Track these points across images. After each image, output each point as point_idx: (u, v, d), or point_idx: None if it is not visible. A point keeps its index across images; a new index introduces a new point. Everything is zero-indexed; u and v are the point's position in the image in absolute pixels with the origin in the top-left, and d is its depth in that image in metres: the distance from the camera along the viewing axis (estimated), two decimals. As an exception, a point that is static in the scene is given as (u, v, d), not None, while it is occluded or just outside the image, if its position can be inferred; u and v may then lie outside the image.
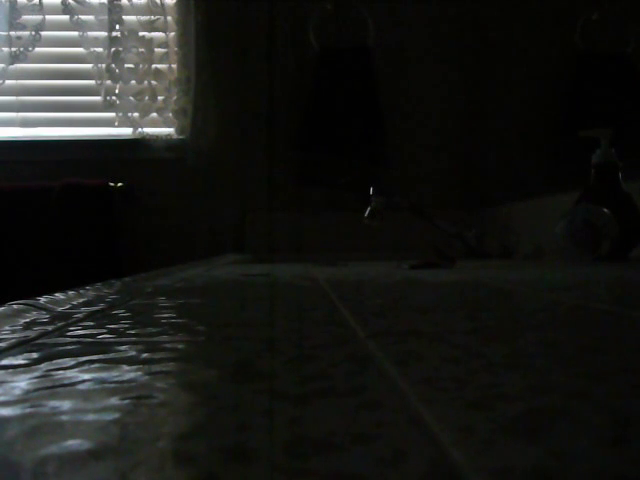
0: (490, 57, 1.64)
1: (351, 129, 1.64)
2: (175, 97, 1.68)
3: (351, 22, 1.69)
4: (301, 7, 1.68)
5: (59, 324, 0.31)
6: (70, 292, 0.45)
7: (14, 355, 0.23)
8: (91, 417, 0.15)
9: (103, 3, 1.65)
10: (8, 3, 1.64)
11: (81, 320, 0.33)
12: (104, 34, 1.65)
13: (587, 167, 0.92)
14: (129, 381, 0.19)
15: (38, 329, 0.30)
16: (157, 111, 1.68)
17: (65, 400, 0.17)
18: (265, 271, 0.81)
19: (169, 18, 1.68)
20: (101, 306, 0.40)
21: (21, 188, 1.57)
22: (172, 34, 1.69)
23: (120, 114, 1.66)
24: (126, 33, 1.65)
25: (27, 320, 0.33)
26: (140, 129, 1.68)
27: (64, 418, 0.15)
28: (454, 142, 1.71)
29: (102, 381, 0.19)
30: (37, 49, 1.66)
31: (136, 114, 1.67)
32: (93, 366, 0.21)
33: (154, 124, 1.69)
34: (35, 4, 1.65)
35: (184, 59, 1.68)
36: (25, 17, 1.65)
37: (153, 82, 1.67)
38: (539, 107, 1.38)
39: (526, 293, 0.45)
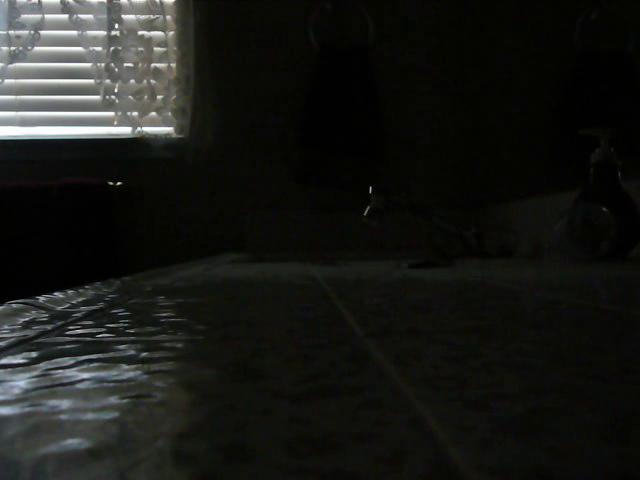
0: (489, 56, 1.64)
1: (351, 128, 1.64)
2: (174, 96, 1.68)
3: (351, 22, 1.69)
4: (301, 7, 1.68)
5: (58, 323, 0.31)
6: (69, 291, 0.45)
7: (13, 354, 0.23)
8: (90, 416, 0.15)
9: (102, 2, 1.65)
10: (7, 2, 1.64)
11: (80, 319, 0.33)
12: (103, 33, 1.65)
13: (586, 166, 0.92)
14: (128, 380, 0.19)
15: (37, 328, 0.30)
16: (156, 110, 1.68)
17: (64, 399, 0.17)
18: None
19: (168, 17, 1.68)
20: (100, 305, 0.40)
21: (20, 187, 1.56)
22: (171, 33, 1.69)
23: (119, 113, 1.66)
24: (125, 32, 1.65)
25: (26, 319, 0.33)
26: (139, 128, 1.68)
27: (63, 417, 0.15)
28: (454, 142, 1.71)
29: (101, 380, 0.19)
30: (36, 48, 1.66)
31: (135, 113, 1.67)
32: (92, 365, 0.21)
33: (153, 123, 1.69)
34: (34, 3, 1.65)
35: (183, 58, 1.68)
36: (24, 16, 1.65)
37: (152, 81, 1.67)
38: (538, 106, 1.38)
39: (526, 293, 0.45)
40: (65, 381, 0.19)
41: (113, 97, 1.66)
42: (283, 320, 0.32)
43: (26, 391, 0.18)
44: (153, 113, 1.68)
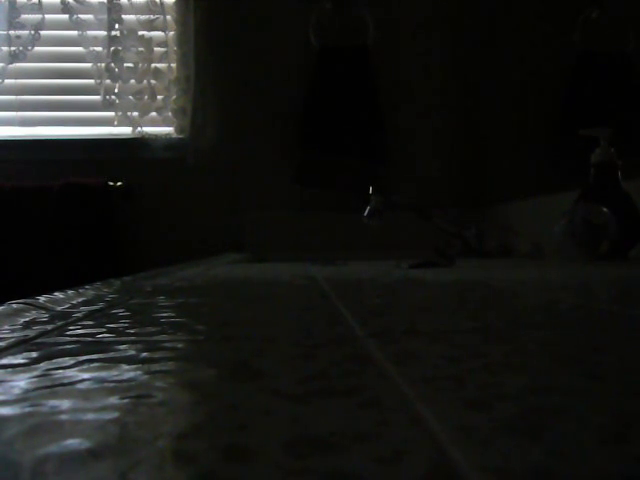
0: (490, 56, 1.64)
1: (351, 129, 1.64)
2: (174, 96, 1.68)
3: (351, 22, 1.69)
4: (301, 7, 1.68)
5: (58, 323, 0.31)
6: (69, 291, 0.45)
7: (13, 354, 0.23)
8: (90, 416, 0.15)
9: (102, 2, 1.65)
10: (7, 2, 1.64)
11: (80, 319, 0.33)
12: (103, 33, 1.65)
13: (586, 166, 0.92)
14: (128, 380, 0.19)
15: (37, 328, 0.30)
16: (156, 110, 1.68)
17: (64, 399, 0.17)
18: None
19: (168, 17, 1.68)
20: (100, 305, 0.40)
21: (20, 187, 1.57)
22: (171, 33, 1.69)
23: (119, 113, 1.66)
24: (125, 32, 1.65)
25: (26, 319, 0.33)
26: (139, 128, 1.68)
27: (63, 417, 0.15)
28: (454, 142, 1.71)
29: (101, 380, 0.19)
30: (36, 48, 1.66)
31: (135, 113, 1.67)
32: (92, 365, 0.21)
33: (153, 123, 1.69)
34: (34, 3, 1.65)
35: (183, 58, 1.68)
36: (24, 16, 1.65)
37: (152, 81, 1.67)
38: (538, 106, 1.38)
39: (526, 293, 0.45)
40: (65, 381, 0.19)
41: (113, 97, 1.66)
42: (283, 320, 0.32)
43: (26, 391, 0.18)
44: (153, 113, 1.68)
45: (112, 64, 1.64)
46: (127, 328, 0.30)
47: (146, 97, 1.67)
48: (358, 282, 0.58)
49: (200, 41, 1.69)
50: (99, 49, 1.66)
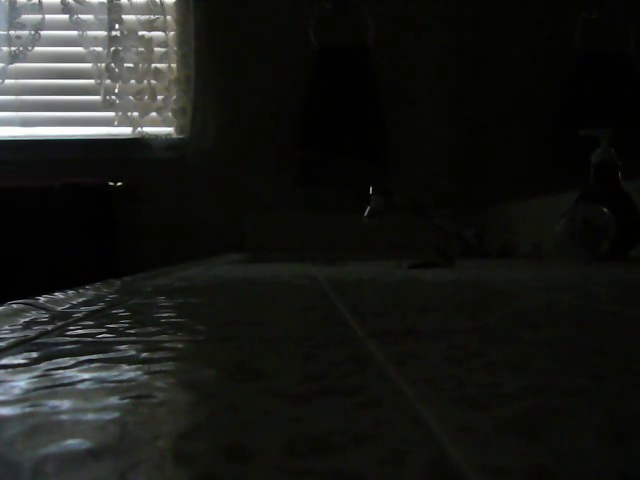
0: (490, 57, 1.64)
1: (351, 129, 1.64)
2: (175, 96, 1.68)
3: (351, 22, 1.69)
4: (301, 7, 1.68)
5: (59, 323, 0.31)
6: (70, 291, 0.45)
7: (14, 354, 0.23)
8: (90, 416, 0.15)
9: (103, 2, 1.65)
10: (7, 2, 1.64)
11: (81, 319, 0.33)
12: (104, 33, 1.65)
13: (587, 166, 0.92)
14: (128, 380, 0.19)
15: (38, 328, 0.30)
16: (157, 110, 1.68)
17: (65, 399, 0.17)
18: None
19: (169, 17, 1.68)
20: (101, 305, 0.40)
21: (20, 187, 1.57)
22: (172, 33, 1.69)
23: (120, 113, 1.66)
24: (125, 32, 1.65)
25: (27, 319, 0.33)
26: (140, 128, 1.68)
27: (64, 417, 0.15)
28: (454, 142, 1.71)
29: (102, 380, 0.19)
30: (36, 48, 1.66)
31: (136, 113, 1.67)
32: (92, 365, 0.21)
33: (154, 123, 1.69)
34: (34, 3, 1.65)
35: (184, 58, 1.68)
36: (25, 16, 1.65)
37: (153, 81, 1.67)
38: (539, 107, 1.38)
39: (526, 293, 0.45)
40: (65, 381, 0.19)
41: (113, 97, 1.66)
42: (283, 320, 0.32)
43: (26, 391, 0.18)
44: (153, 113, 1.68)
45: (112, 64, 1.64)
46: (127, 328, 0.30)
47: (146, 97, 1.67)
48: (358, 282, 0.58)
49: (200, 41, 1.69)
50: (99, 49, 1.66)
